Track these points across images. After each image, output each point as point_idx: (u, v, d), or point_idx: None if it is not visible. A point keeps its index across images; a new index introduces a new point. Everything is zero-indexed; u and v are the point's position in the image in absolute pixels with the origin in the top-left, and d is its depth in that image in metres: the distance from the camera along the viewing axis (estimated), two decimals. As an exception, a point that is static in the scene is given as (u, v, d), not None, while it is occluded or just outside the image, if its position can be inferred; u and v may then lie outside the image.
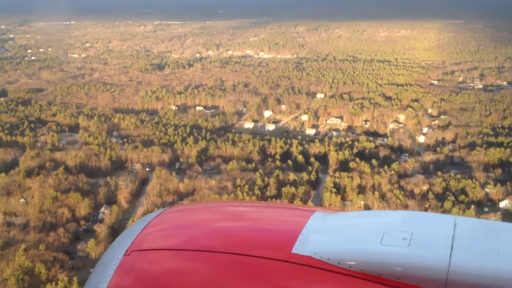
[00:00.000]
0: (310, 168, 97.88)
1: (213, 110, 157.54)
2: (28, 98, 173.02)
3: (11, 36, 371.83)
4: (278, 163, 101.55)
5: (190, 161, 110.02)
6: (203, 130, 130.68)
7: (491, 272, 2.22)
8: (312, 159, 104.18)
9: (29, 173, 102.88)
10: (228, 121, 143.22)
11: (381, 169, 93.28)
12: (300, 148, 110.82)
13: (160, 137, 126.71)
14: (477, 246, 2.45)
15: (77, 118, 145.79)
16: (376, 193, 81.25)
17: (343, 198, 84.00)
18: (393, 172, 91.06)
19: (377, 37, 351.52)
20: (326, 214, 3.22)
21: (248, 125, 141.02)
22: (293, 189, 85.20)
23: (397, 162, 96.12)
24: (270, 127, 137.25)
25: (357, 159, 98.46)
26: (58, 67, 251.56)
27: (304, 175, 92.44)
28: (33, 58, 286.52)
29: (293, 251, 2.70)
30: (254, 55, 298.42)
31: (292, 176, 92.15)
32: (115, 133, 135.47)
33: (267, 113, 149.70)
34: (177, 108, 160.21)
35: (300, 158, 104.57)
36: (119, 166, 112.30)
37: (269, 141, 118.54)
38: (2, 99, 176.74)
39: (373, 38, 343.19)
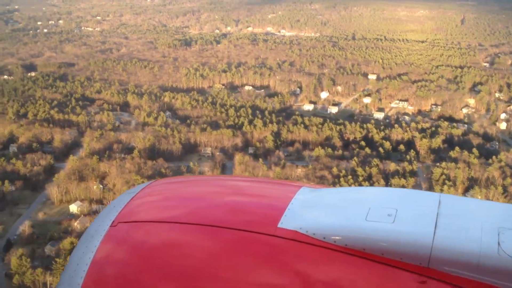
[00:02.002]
0: (407, 156, 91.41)
1: (263, 90, 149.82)
2: (63, 73, 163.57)
3: (16, 7, 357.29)
4: (368, 150, 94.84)
5: (266, 146, 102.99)
6: (266, 112, 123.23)
7: (475, 249, 2.25)
8: (401, 147, 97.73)
9: (96, 156, 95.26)
10: (286, 102, 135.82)
11: (484, 160, 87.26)
12: (381, 134, 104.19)
13: (223, 118, 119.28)
14: (461, 224, 2.47)
15: (125, 96, 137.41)
16: (499, 187, 75.29)
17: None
18: (502, 163, 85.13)
19: (398, 16, 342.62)
20: (312, 189, 3.17)
21: (308, 107, 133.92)
22: (403, 181, 78.90)
23: (502, 152, 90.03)
24: (333, 109, 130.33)
25: (457, 148, 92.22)
26: (79, 40, 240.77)
27: (406, 165, 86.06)
28: (45, 30, 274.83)
29: (279, 225, 2.68)
30: (275, 32, 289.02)
31: (393, 166, 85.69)
32: (168, 112, 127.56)
33: (323, 95, 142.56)
34: (223, 87, 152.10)
35: (388, 145, 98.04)
36: (188, 149, 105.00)
37: (343, 125, 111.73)
38: (34, 73, 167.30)
39: (396, 17, 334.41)
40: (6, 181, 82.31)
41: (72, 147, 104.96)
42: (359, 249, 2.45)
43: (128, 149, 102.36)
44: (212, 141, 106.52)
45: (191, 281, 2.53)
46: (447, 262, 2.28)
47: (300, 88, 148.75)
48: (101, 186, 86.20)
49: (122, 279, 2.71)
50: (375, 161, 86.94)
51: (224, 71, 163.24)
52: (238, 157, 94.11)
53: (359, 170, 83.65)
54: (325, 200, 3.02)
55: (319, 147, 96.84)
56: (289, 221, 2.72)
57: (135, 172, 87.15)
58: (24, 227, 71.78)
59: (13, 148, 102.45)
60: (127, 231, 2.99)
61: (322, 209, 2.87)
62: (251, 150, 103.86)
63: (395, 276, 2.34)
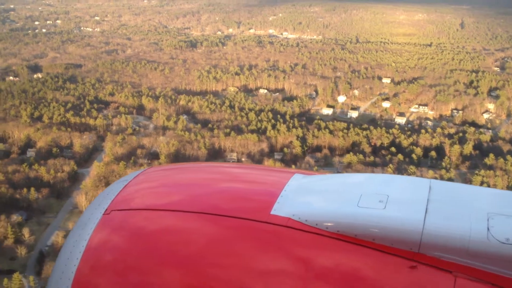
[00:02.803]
0: (442, 163, 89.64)
1: (278, 93, 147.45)
2: (71, 74, 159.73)
3: (12, 6, 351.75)
4: (400, 156, 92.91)
5: (294, 151, 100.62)
6: (287, 116, 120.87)
7: (464, 235, 2.29)
8: (433, 153, 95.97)
9: (123, 162, 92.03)
10: (304, 106, 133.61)
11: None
12: (410, 139, 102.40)
13: (244, 122, 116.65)
14: (451, 209, 2.52)
15: (139, 98, 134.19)
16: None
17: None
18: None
19: (398, 19, 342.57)
20: (305, 176, 3.19)
21: (327, 111, 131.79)
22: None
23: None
24: (353, 114, 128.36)
25: (491, 155, 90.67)
26: (81, 41, 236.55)
27: (444, 173, 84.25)
28: (43, 30, 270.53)
29: (272, 212, 2.71)
30: (278, 34, 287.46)
31: (431, 173, 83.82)
32: (185, 116, 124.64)
33: (341, 98, 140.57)
34: (238, 90, 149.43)
35: (419, 151, 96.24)
36: (213, 155, 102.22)
37: (368, 129, 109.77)
38: (40, 74, 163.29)
39: (396, 21, 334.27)
40: (32, 189, 78.90)
41: (92, 152, 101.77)
42: (351, 235, 2.48)
43: (152, 154, 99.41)
44: (236, 146, 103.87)
45: (185, 268, 2.57)
46: (437, 247, 2.32)
47: (316, 91, 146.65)
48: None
49: (115, 266, 2.71)
50: (412, 168, 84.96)
51: (237, 74, 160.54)
52: (268, 163, 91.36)
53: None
54: (318, 187, 2.98)
55: (351, 153, 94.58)
56: (282, 208, 2.73)
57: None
58: (56, 237, 68.52)
59: (30, 153, 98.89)
60: (120, 219, 2.94)
61: (314, 195, 2.84)
62: (277, 156, 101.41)
63: (386, 261, 2.38)
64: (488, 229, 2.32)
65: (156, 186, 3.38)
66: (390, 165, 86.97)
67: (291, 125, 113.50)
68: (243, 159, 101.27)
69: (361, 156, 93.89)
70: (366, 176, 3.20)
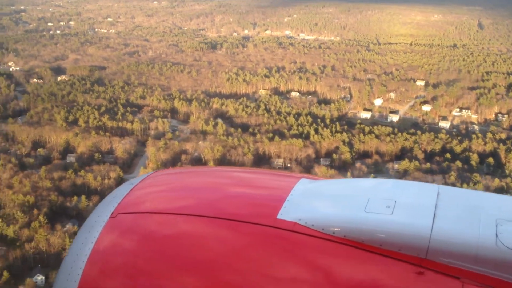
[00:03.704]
0: (506, 170, 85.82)
1: (310, 96, 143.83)
2: (98, 77, 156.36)
3: (22, 7, 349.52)
4: (459, 163, 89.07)
5: (342, 157, 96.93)
6: (327, 120, 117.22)
7: (473, 241, 2.26)
8: (490, 159, 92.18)
9: (164, 167, 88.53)
10: (342, 109, 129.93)
11: None
12: (463, 145, 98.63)
13: (284, 126, 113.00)
14: (460, 215, 2.49)
15: (171, 102, 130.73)
16: None
17: None
18: None
19: (415, 20, 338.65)
20: (312, 181, 3.18)
21: (365, 114, 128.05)
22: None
23: None
24: (394, 117, 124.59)
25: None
26: (99, 42, 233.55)
27: (510, 181, 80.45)
28: (58, 31, 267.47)
29: (278, 216, 2.70)
30: (295, 36, 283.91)
31: (497, 181, 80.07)
32: (218, 119, 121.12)
33: (378, 101, 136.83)
34: (270, 93, 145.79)
35: (475, 157, 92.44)
36: (257, 160, 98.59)
37: (415, 134, 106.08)
38: (64, 77, 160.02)
39: (414, 22, 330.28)
40: (83, 197, 75.40)
41: (133, 158, 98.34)
42: (357, 240, 2.45)
43: (196, 160, 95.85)
44: (282, 152, 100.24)
45: (191, 272, 2.56)
46: (445, 253, 2.28)
47: (350, 94, 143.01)
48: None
49: (121, 269, 2.71)
50: (477, 176, 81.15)
51: (266, 76, 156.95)
52: (321, 170, 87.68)
53: (464, 187, 77.74)
54: (324, 192, 2.97)
55: (406, 160, 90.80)
56: (288, 212, 2.72)
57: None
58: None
59: (70, 158, 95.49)
60: (127, 222, 2.94)
61: (321, 200, 2.83)
62: (324, 162, 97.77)
63: (393, 267, 2.35)
64: (496, 235, 2.29)
65: (163, 190, 3.31)
66: (452, 173, 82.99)
67: (334, 129, 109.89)
68: (289, 165, 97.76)
69: (416, 163, 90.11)
70: (373, 181, 3.16)
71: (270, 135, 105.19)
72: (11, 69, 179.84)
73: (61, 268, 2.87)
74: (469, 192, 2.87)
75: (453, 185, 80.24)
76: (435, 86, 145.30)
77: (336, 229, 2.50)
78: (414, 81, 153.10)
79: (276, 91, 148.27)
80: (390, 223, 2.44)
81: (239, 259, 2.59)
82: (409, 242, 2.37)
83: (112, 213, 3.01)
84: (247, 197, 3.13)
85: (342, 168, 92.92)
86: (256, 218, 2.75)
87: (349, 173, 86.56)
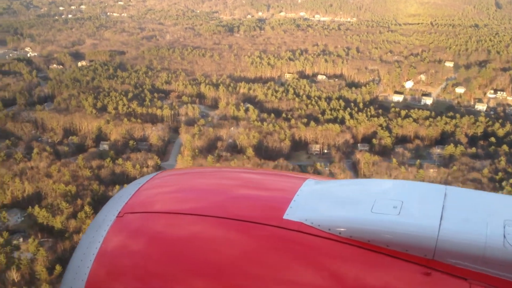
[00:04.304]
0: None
1: (337, 79, 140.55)
2: (120, 62, 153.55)
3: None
4: (505, 147, 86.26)
5: (382, 142, 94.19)
6: (360, 104, 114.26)
7: (480, 242, 2.27)
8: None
9: (211, 156, 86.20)
10: (372, 92, 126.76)
11: None
12: (506, 128, 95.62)
13: (316, 111, 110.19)
14: (467, 216, 2.50)
15: (198, 87, 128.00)
16: None
17: None
18: None
19: (432, 0, 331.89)
20: (318, 181, 3.20)
21: (397, 97, 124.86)
22: None
23: None
24: (427, 100, 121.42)
25: None
26: (114, 26, 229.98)
27: None
28: (70, 16, 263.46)
29: (285, 217, 2.71)
30: (310, 17, 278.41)
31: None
32: (247, 104, 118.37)
33: (408, 84, 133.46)
34: (296, 76, 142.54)
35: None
36: (293, 146, 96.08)
37: (454, 118, 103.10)
38: (84, 62, 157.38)
39: (431, 2, 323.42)
40: (125, 186, 73.26)
41: (166, 145, 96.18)
42: (364, 241, 2.46)
43: (232, 147, 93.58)
44: (318, 137, 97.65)
45: (198, 272, 2.59)
46: (452, 254, 2.30)
47: (379, 77, 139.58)
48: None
49: (128, 269, 2.75)
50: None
51: (291, 59, 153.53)
52: (365, 156, 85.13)
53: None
54: (331, 192, 2.98)
55: (452, 144, 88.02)
56: (295, 212, 2.73)
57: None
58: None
59: (104, 145, 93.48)
60: (134, 222, 2.97)
61: (327, 200, 2.84)
62: (362, 147, 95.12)
63: (400, 267, 2.37)
64: (504, 236, 2.29)
65: (170, 190, 3.34)
66: (502, 157, 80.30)
67: (369, 113, 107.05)
68: (326, 151, 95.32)
69: (462, 148, 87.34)
70: (380, 182, 3.12)
71: (305, 120, 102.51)
72: (28, 55, 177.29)
73: (68, 267, 2.87)
74: (476, 193, 2.80)
75: (505, 170, 77.67)
76: (466, 67, 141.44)
77: (342, 229, 2.53)
78: (442, 62, 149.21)
79: (301, 75, 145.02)
80: (397, 224, 2.45)
81: (245, 259, 2.60)
82: (416, 242, 2.35)
83: (119, 212, 3.00)
84: (253, 198, 3.12)
85: (383, 153, 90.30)
86: (262, 219, 2.75)
87: (394, 160, 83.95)
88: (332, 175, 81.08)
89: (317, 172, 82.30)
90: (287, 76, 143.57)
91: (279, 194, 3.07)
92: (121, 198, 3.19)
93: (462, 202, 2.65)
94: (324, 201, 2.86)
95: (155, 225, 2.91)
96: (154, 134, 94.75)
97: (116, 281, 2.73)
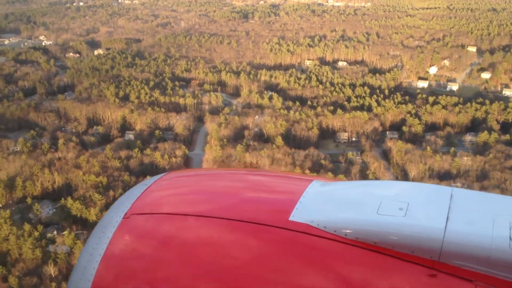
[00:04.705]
0: None
1: (358, 65, 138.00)
2: (137, 50, 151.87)
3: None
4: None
5: (413, 130, 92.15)
6: (386, 91, 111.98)
7: (486, 244, 2.28)
8: None
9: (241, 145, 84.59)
10: (397, 79, 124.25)
11: None
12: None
13: (341, 98, 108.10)
14: (473, 218, 2.51)
15: (218, 74, 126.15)
16: None
17: None
18: None
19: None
20: (324, 183, 3.19)
21: (422, 84, 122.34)
22: None
23: None
24: (453, 86, 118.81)
25: None
26: (127, 14, 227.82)
27: None
28: (81, 3, 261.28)
29: (291, 218, 2.72)
30: (323, 2, 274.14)
31: None
32: (270, 92, 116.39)
33: (432, 69, 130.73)
34: (317, 63, 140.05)
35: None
36: (321, 135, 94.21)
37: (484, 104, 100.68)
38: (100, 50, 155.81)
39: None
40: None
41: (191, 133, 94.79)
42: (370, 242, 2.47)
43: (259, 136, 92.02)
44: (345, 125, 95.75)
45: (204, 273, 2.60)
46: (458, 256, 2.31)
47: (401, 62, 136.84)
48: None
49: (134, 270, 2.77)
50: None
51: (310, 46, 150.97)
52: (398, 144, 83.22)
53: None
54: (337, 194, 2.98)
55: (485, 131, 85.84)
56: (301, 214, 2.74)
57: (290, 164, 76.78)
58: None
59: (129, 135, 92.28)
60: (140, 223, 2.99)
61: (333, 202, 2.84)
62: (391, 135, 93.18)
63: (405, 269, 2.38)
64: (510, 238, 2.30)
65: (176, 191, 3.37)
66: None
67: (396, 100, 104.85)
68: (354, 139, 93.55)
69: (496, 135, 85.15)
70: (386, 183, 3.12)
71: (331, 108, 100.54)
72: (43, 43, 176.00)
73: (75, 268, 2.90)
74: (483, 195, 2.81)
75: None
76: (490, 52, 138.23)
77: (348, 231, 2.53)
78: (464, 47, 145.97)
79: (322, 61, 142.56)
80: (403, 226, 2.46)
81: (251, 260, 2.60)
82: (422, 244, 2.36)
83: (126, 213, 3.02)
84: (260, 199, 3.12)
85: (413, 141, 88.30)
86: (269, 220, 2.74)
87: (428, 148, 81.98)
88: (364, 165, 79.46)
89: (349, 162, 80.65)
90: (308, 62, 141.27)
91: (285, 196, 3.05)
92: (127, 199, 3.16)
93: (468, 203, 2.65)
94: (330, 202, 2.84)
95: (161, 227, 2.90)
96: (180, 123, 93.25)
97: (122, 282, 2.74)
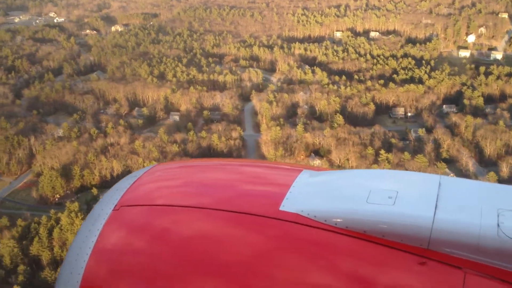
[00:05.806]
0: None
1: (391, 35, 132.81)
2: (158, 25, 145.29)
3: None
4: None
5: (473, 103, 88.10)
6: (431, 62, 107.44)
7: (474, 231, 2.32)
8: None
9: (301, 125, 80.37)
10: (438, 48, 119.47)
11: None
12: None
13: (387, 71, 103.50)
14: (461, 205, 2.54)
15: (250, 49, 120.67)
16: None
17: None
18: None
19: None
20: (313, 172, 3.19)
21: (464, 53, 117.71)
22: None
23: None
24: (497, 55, 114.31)
25: None
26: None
27: None
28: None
29: (281, 208, 2.72)
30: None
31: None
32: (306, 66, 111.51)
33: (471, 38, 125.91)
34: (350, 34, 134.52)
35: None
36: (376, 110, 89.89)
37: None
38: (118, 26, 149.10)
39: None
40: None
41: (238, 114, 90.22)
42: (359, 231, 2.49)
43: (311, 113, 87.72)
44: (399, 100, 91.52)
45: (195, 264, 2.61)
46: (447, 243, 2.34)
47: (436, 31, 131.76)
48: (318, 161, 72.40)
49: (125, 262, 2.77)
50: None
51: (339, 16, 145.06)
52: (467, 119, 79.26)
53: None
54: (326, 183, 2.98)
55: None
56: (291, 204, 2.73)
57: (358, 144, 72.78)
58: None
59: (174, 116, 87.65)
60: (130, 215, 2.98)
61: (323, 192, 2.84)
62: (448, 109, 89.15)
63: (395, 257, 2.41)
64: (498, 225, 2.34)
65: (166, 183, 3.32)
66: None
67: (445, 72, 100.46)
68: (409, 114, 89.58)
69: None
70: (375, 172, 3.14)
71: (382, 81, 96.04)
72: (55, 20, 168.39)
73: (64, 261, 2.90)
74: (470, 183, 2.85)
75: None
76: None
77: (338, 220, 2.55)
78: (496, 13, 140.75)
79: (352, 32, 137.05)
80: (392, 214, 2.48)
81: (241, 250, 2.56)
82: (411, 232, 2.39)
83: (115, 205, 3.00)
84: (249, 189, 3.07)
85: (473, 115, 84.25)
86: (258, 210, 2.70)
87: (501, 122, 78.09)
88: (435, 142, 75.59)
89: (418, 138, 76.79)
90: (338, 34, 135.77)
91: (275, 186, 3.05)
92: (117, 191, 3.13)
93: (456, 191, 2.69)
94: (320, 192, 2.79)
95: (151, 218, 2.85)
96: (227, 102, 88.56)
97: (112, 275, 2.75)
